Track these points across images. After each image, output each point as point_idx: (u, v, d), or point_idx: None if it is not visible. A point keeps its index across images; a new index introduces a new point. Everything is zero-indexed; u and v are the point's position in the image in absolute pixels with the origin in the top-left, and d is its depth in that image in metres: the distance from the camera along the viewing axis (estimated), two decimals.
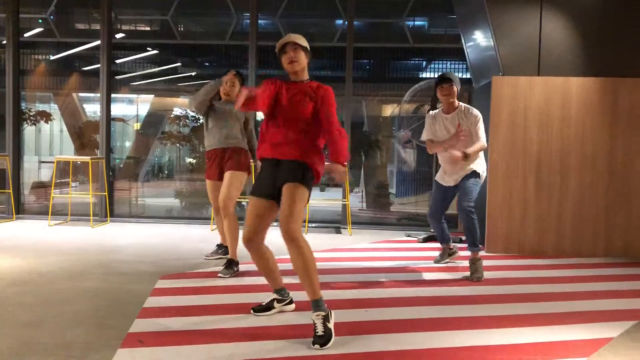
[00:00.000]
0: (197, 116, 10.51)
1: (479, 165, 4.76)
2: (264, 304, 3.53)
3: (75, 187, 9.60)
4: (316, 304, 3.08)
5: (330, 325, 3.05)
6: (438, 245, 6.15)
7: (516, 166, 5.69)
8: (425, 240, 6.41)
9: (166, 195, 11.08)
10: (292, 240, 3.05)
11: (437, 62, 19.11)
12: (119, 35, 9.49)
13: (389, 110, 12.33)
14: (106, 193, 7.35)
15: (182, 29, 15.84)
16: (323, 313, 3.06)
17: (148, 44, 10.85)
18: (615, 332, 3.35)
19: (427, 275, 4.72)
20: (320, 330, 2.99)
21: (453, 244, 5.28)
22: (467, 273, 4.66)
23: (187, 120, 10.50)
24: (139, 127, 11.93)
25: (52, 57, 10.25)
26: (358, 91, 14.89)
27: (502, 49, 5.75)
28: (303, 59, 3.25)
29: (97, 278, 4.33)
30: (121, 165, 11.13)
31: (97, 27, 7.98)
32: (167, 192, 11.47)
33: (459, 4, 6.81)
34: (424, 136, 4.93)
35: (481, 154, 4.78)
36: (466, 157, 4.57)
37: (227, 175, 4.69)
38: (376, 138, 11.62)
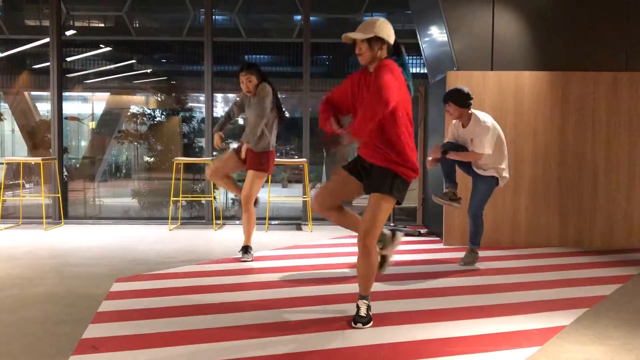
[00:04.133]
0: (153, 114, 10.32)
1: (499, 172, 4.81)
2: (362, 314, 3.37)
3: (30, 189, 9.31)
4: (365, 297, 3.35)
5: (370, 313, 3.32)
6: (412, 239, 6.20)
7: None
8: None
9: (124, 195, 10.85)
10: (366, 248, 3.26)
11: (394, 57, 19.19)
12: (70, 32, 9.22)
13: None
14: (59, 194, 7.14)
15: (137, 25, 15.48)
16: (368, 302, 3.34)
17: (101, 40, 10.58)
18: (568, 320, 3.44)
19: (392, 270, 4.75)
20: (363, 312, 3.29)
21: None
22: (429, 266, 4.74)
23: (144, 118, 10.30)
24: (94, 126, 11.65)
25: (1, 55, 9.91)
26: (317, 87, 14.90)
27: (456, 45, 5.83)
28: (364, 51, 3.27)
29: (48, 283, 4.20)
30: (77, 166, 10.85)
31: (48, 23, 7.74)
32: (125, 192, 11.24)
33: (414, 1, 6.87)
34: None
35: (505, 165, 4.81)
36: (438, 161, 4.80)
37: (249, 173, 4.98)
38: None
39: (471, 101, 4.72)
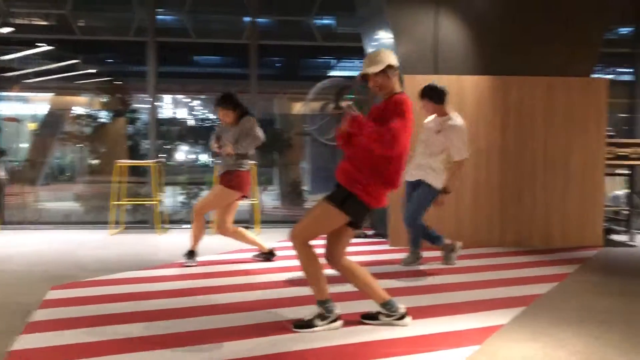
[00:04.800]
0: (98, 115, 10.03)
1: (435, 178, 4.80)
2: (372, 312, 3.45)
3: None
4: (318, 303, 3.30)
5: (320, 324, 3.26)
6: (358, 240, 6.23)
7: None
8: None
9: (66, 199, 10.49)
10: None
11: (346, 60, 19.36)
12: (6, 30, 8.85)
13: (305, 107, 12.26)
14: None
15: (81, 24, 14.99)
16: (319, 310, 3.28)
17: (42, 39, 10.20)
18: (506, 319, 3.53)
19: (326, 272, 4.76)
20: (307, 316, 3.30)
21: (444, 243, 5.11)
22: (372, 267, 4.74)
23: (89, 120, 10.00)
24: (35, 128, 11.22)
25: None
26: (268, 89, 14.81)
27: (400, 49, 5.91)
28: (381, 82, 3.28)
29: None
30: (18, 169, 10.42)
31: None
32: (67, 195, 10.86)
33: (360, 6, 6.93)
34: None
35: (441, 170, 4.82)
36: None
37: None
38: (288, 135, 11.60)
39: (445, 97, 4.79)
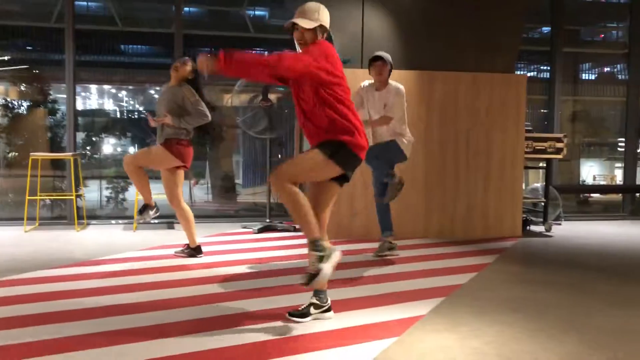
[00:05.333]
0: (14, 105, 9.48)
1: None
2: (300, 308, 3.37)
3: None
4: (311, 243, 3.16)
5: (313, 312, 3.31)
6: (273, 235, 6.19)
7: None
8: (260, 230, 6.41)
9: None
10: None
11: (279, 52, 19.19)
12: None
13: (235, 99, 12.13)
14: None
15: None
16: (317, 253, 3.11)
17: None
18: (425, 310, 3.59)
19: (256, 267, 4.71)
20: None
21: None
22: (300, 261, 4.73)
23: (6, 110, 9.43)
24: None
25: None
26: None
27: None
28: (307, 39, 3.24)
29: None
30: None
31: None
32: None
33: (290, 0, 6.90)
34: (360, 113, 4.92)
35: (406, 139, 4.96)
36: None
37: None
38: (220, 128, 11.40)
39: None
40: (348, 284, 4.20)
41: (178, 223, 6.76)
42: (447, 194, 6.18)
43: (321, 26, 3.23)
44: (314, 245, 3.11)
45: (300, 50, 3.23)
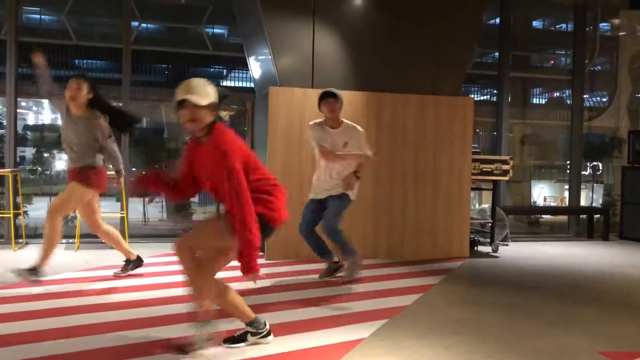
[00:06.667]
0: None
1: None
2: (236, 334, 3.28)
3: None
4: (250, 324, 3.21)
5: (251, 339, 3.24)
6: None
7: (293, 174, 5.84)
8: None
9: None
10: None
11: (238, 70, 19.17)
12: None
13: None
14: None
15: None
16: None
17: None
18: (367, 333, 3.55)
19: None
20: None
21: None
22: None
23: None
24: None
25: None
26: (154, 96, 14.34)
27: (278, 62, 5.89)
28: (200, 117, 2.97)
29: None
30: None
31: None
32: None
33: (241, 19, 6.87)
34: (315, 144, 4.77)
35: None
36: (358, 179, 4.74)
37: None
38: (177, 145, 11.25)
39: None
40: (291, 306, 4.13)
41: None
42: (395, 214, 6.21)
43: (213, 104, 2.97)
44: (252, 325, 3.25)
45: (190, 127, 2.98)
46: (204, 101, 2.90)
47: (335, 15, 6.09)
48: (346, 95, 5.99)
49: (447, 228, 6.35)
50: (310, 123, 4.88)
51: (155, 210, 11.06)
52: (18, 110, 9.68)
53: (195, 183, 3.20)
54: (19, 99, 6.83)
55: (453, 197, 6.36)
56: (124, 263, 4.96)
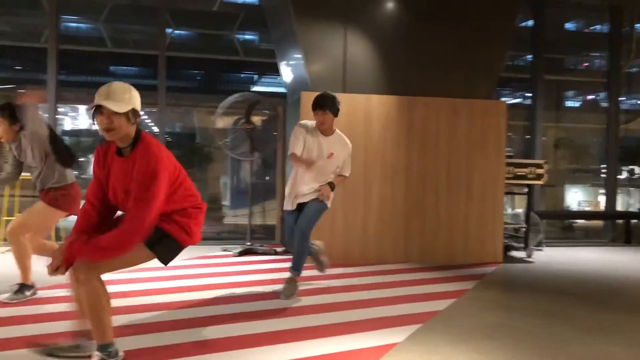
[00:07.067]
0: None
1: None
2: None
3: None
4: (103, 348, 2.71)
5: None
6: (253, 258, 6.15)
7: None
8: (240, 254, 6.36)
9: None
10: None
11: (268, 76, 19.34)
12: None
13: (220, 121, 12.17)
14: None
15: None
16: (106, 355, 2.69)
17: None
18: (400, 337, 3.54)
19: (234, 291, 4.66)
20: None
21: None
22: (278, 286, 4.67)
23: None
24: None
25: None
26: (187, 101, 14.56)
27: (310, 67, 5.95)
28: (118, 125, 2.67)
29: None
30: None
31: None
32: None
33: (273, 25, 6.95)
34: (294, 149, 4.45)
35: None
36: (332, 190, 4.50)
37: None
38: (208, 149, 11.41)
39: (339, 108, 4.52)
40: (325, 310, 4.15)
41: None
42: (427, 218, 6.18)
43: (134, 110, 2.68)
44: (106, 350, 2.72)
45: (109, 138, 2.69)
46: (122, 108, 2.62)
47: (366, 19, 6.11)
48: (377, 100, 6.03)
49: (480, 233, 6.30)
50: (303, 122, 4.60)
51: None
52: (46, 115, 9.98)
53: (106, 202, 2.86)
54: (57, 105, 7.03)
55: (487, 202, 6.30)
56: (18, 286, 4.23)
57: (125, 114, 2.63)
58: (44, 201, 4.11)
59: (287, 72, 6.89)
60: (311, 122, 4.57)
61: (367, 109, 6.01)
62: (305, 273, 5.33)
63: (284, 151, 6.98)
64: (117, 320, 3.73)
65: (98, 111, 2.61)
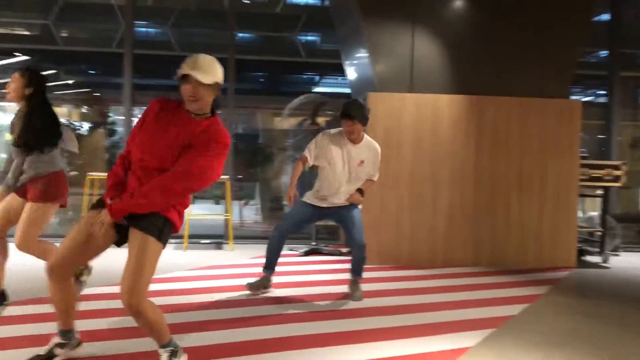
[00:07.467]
0: (76, 127, 9.91)
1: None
2: (42, 353, 2.86)
3: None
4: (165, 345, 2.77)
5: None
6: (319, 258, 6.19)
7: (391, 180, 5.85)
8: (307, 253, 6.41)
9: None
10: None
11: (329, 76, 19.40)
12: None
13: (285, 123, 12.29)
14: None
15: (65, 34, 14.85)
16: (171, 348, 2.76)
17: (20, 48, 10.10)
18: (473, 341, 3.48)
19: (301, 291, 4.70)
20: None
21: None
22: (345, 287, 4.67)
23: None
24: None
25: None
26: (249, 103, 14.84)
27: (377, 67, 5.92)
28: (203, 95, 2.67)
29: None
30: None
31: None
32: None
33: (338, 25, 6.96)
34: (307, 154, 4.45)
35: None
36: (362, 196, 4.47)
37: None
38: (271, 150, 11.56)
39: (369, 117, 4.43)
40: (395, 312, 4.13)
41: (227, 243, 6.85)
42: (498, 221, 6.03)
43: (217, 83, 2.70)
44: (169, 345, 2.77)
45: (190, 107, 2.68)
46: (209, 80, 2.63)
47: (435, 17, 6.02)
48: (446, 99, 5.93)
49: (553, 236, 6.08)
50: (327, 131, 4.52)
51: (250, 213, 11.42)
52: (121, 118, 10.39)
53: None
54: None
55: (560, 204, 6.08)
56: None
57: (210, 86, 2.65)
58: (32, 200, 3.69)
59: (352, 72, 6.89)
60: (335, 131, 4.51)
61: (435, 109, 5.92)
62: (373, 275, 5.33)
63: None
64: (185, 317, 3.86)
65: (185, 80, 2.62)
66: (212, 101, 2.73)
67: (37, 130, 3.68)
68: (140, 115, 2.84)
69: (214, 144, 2.67)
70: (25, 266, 4.53)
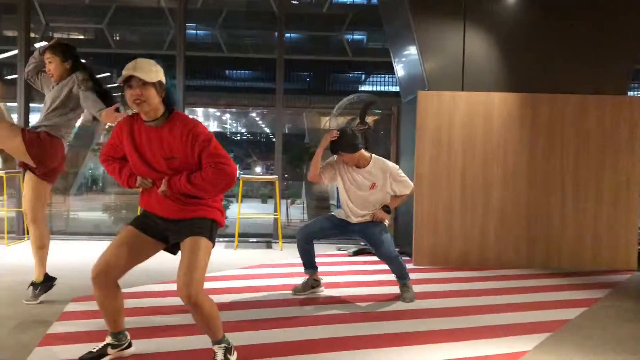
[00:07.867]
0: None
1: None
2: (94, 350, 2.98)
3: None
4: (219, 342, 2.85)
5: (232, 358, 2.87)
6: (368, 258, 6.17)
7: (441, 180, 5.78)
8: (356, 253, 6.40)
9: (96, 209, 10.67)
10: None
11: (376, 75, 19.30)
12: (40, 44, 9.10)
13: (333, 122, 12.37)
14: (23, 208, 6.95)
15: (117, 38, 15.32)
16: (225, 345, 2.85)
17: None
18: (530, 345, 3.40)
19: (351, 291, 4.70)
20: (220, 357, 2.80)
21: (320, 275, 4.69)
22: (396, 288, 4.63)
23: None
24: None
25: None
26: (297, 103, 14.91)
27: (427, 65, 5.85)
28: (148, 96, 2.71)
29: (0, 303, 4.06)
30: None
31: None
32: (98, 206, 11.04)
33: (387, 22, 6.90)
34: (322, 169, 4.47)
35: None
36: (389, 213, 4.45)
37: None
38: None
39: (358, 142, 4.36)
40: (448, 314, 4.07)
41: (276, 242, 6.91)
42: (552, 222, 5.86)
43: (160, 82, 2.74)
44: (222, 342, 2.85)
45: (140, 111, 2.74)
46: (151, 78, 2.67)
47: (487, 14, 5.91)
48: (498, 97, 5.81)
49: (611, 237, 5.87)
50: (331, 159, 4.51)
51: (297, 212, 11.50)
52: None
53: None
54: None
55: (619, 205, 5.87)
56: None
57: (154, 85, 2.69)
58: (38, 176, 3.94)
59: (401, 70, 6.83)
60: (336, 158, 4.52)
61: (487, 107, 5.81)
62: (424, 276, 5.28)
63: (397, 153, 6.93)
64: (237, 315, 3.91)
65: (127, 85, 2.68)
66: (163, 101, 2.77)
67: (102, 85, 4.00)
68: (115, 136, 2.93)
69: (201, 140, 2.75)
70: (84, 264, 4.68)
